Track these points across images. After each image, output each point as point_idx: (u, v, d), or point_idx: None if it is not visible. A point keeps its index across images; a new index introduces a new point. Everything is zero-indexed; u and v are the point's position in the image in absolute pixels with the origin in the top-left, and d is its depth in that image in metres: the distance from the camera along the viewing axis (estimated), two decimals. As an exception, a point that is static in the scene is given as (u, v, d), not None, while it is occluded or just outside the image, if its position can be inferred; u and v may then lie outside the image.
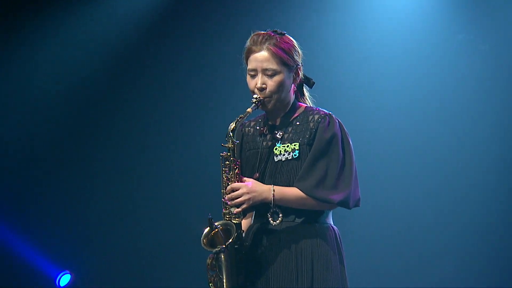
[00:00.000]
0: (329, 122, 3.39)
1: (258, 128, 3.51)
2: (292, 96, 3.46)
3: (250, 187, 3.30)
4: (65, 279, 6.30)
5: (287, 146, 3.40)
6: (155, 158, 6.39)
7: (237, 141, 3.38)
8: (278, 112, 3.45)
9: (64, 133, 6.41)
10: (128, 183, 6.41)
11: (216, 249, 3.28)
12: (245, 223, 3.45)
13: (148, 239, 6.32)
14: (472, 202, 5.85)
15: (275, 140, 3.43)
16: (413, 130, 5.97)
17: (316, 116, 3.40)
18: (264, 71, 3.37)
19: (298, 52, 3.43)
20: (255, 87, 3.39)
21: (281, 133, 3.43)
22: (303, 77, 3.50)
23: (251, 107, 3.36)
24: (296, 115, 3.45)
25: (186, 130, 6.30)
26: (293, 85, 3.45)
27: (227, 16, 6.24)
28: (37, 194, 6.39)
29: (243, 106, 3.39)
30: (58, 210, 6.37)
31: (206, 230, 3.34)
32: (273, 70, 3.36)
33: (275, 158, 3.40)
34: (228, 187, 3.33)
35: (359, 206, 3.41)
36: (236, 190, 3.31)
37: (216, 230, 3.33)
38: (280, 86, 3.38)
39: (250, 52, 3.40)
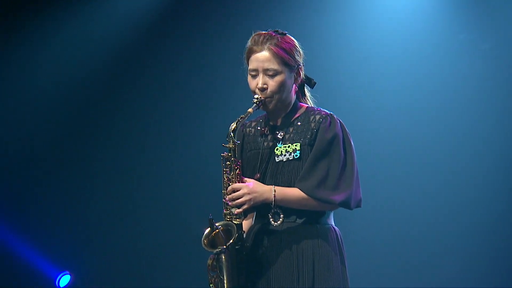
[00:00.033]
0: (330, 122, 3.38)
1: (259, 128, 3.50)
2: (293, 97, 3.45)
3: (251, 188, 3.30)
4: (65, 279, 6.29)
5: (288, 147, 3.39)
6: (156, 158, 6.38)
7: (238, 141, 3.37)
8: (279, 113, 3.44)
9: (64, 133, 6.40)
10: (128, 184, 6.40)
11: (217, 250, 3.27)
12: (246, 224, 3.44)
13: (148, 240, 6.31)
14: (474, 203, 5.84)
15: (276, 141, 3.42)
16: (414, 130, 5.96)
17: (318, 117, 3.39)
18: (265, 71, 3.36)
19: (300, 52, 3.42)
20: (256, 87, 3.38)
21: (282, 134, 3.42)
22: (304, 77, 3.49)
23: (252, 107, 3.35)
24: (297, 115, 3.44)
25: (187, 130, 6.29)
26: (294, 85, 3.44)
27: (227, 16, 6.23)
28: (37, 194, 6.39)
29: (244, 106, 3.37)
30: (58, 210, 6.36)
31: (207, 230, 3.32)
32: (274, 70, 3.36)
33: (276, 158, 3.39)
34: (229, 188, 3.32)
35: (360, 206, 3.40)
36: (237, 191, 3.30)
37: (217, 230, 3.32)
38: (281, 86, 3.37)
39: (251, 52, 3.39)
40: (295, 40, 3.44)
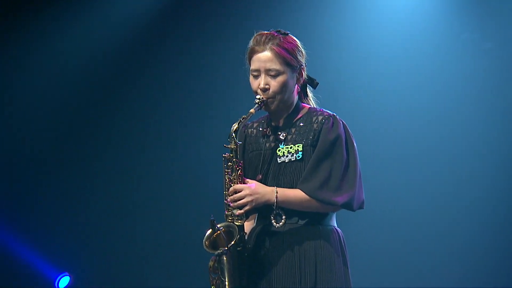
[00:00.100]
0: (333, 123, 3.36)
1: (261, 129, 3.49)
2: (296, 97, 3.44)
3: (253, 189, 3.28)
4: (64, 280, 6.28)
5: (291, 148, 3.37)
6: (156, 159, 6.37)
7: (239, 142, 3.35)
8: (281, 113, 3.43)
9: (64, 134, 6.40)
10: (128, 184, 6.39)
11: (219, 251, 3.25)
12: (248, 225, 3.42)
13: (148, 241, 6.30)
14: (479, 204, 5.83)
15: (278, 141, 3.41)
16: (416, 130, 5.95)
17: (320, 117, 3.38)
18: (267, 71, 3.35)
19: (302, 52, 3.41)
20: (258, 87, 3.36)
21: (284, 134, 3.40)
22: (306, 78, 3.47)
23: (254, 107, 3.33)
24: (299, 116, 3.43)
25: (188, 131, 6.28)
26: (296, 85, 3.42)
27: (229, 16, 6.22)
28: (36, 195, 6.37)
29: (246, 107, 3.36)
30: (57, 211, 6.35)
31: (208, 232, 3.31)
32: (276, 70, 3.34)
33: (278, 159, 3.38)
34: (231, 189, 3.30)
35: (363, 208, 3.38)
36: (239, 192, 3.29)
37: (219, 232, 3.30)
38: (284, 87, 3.35)
39: (253, 52, 3.38)
40: (297, 40, 3.42)
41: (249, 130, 3.51)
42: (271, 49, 3.34)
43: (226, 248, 3.25)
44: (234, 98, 5.66)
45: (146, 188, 6.37)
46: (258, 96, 3.35)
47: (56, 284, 6.27)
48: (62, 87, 6.36)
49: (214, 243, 3.29)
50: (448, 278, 5.81)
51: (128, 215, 6.35)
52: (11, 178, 6.34)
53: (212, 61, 6.22)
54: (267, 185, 3.34)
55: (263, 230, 3.37)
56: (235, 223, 3.31)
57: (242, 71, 3.46)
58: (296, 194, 3.30)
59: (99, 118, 6.43)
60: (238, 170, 3.31)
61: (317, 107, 3.49)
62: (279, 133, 3.41)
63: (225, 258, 3.26)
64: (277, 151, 3.39)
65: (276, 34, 3.38)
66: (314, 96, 3.54)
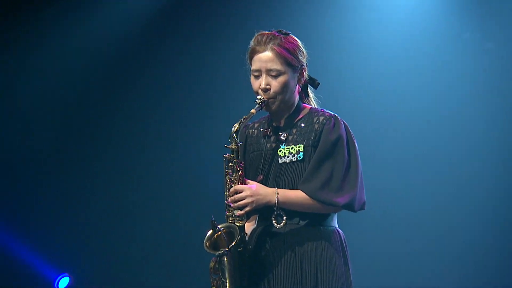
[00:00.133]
0: (334, 123, 3.35)
1: (262, 129, 3.48)
2: (297, 97, 3.43)
3: (253, 190, 3.27)
4: (64, 281, 6.28)
5: (292, 148, 3.36)
6: (156, 159, 6.36)
7: (240, 142, 3.34)
8: (283, 113, 3.42)
9: (63, 134, 6.39)
10: (128, 185, 6.38)
11: (219, 252, 3.25)
12: (248, 226, 3.41)
13: (149, 242, 6.29)
14: (480, 205, 5.82)
15: (279, 142, 3.40)
16: (418, 131, 5.94)
17: (321, 118, 3.37)
18: (268, 71, 3.34)
19: (303, 53, 3.40)
20: (259, 88, 3.35)
21: (285, 135, 3.39)
22: (307, 78, 3.46)
23: (255, 108, 3.32)
24: (300, 116, 3.42)
25: (189, 131, 6.27)
26: (297, 86, 3.41)
27: (229, 15, 6.21)
28: (36, 196, 6.37)
29: (247, 107, 3.34)
30: (57, 212, 6.34)
31: (209, 232, 3.30)
32: (278, 70, 3.33)
33: (279, 160, 3.37)
34: (232, 189, 3.29)
35: (364, 209, 3.38)
36: (240, 192, 3.28)
37: (219, 232, 3.29)
38: (285, 87, 3.34)
39: (254, 52, 3.37)
40: (298, 40, 3.41)
41: (250, 131, 3.50)
42: (272, 49, 3.33)
43: (227, 249, 3.24)
44: (235, 99, 5.64)
45: (146, 188, 6.36)
46: (259, 97, 3.34)
47: (55, 285, 6.27)
48: (62, 87, 6.36)
49: (215, 244, 3.29)
50: (449, 278, 5.80)
51: (128, 216, 6.34)
52: (10, 179, 6.33)
53: (212, 61, 6.21)
54: (268, 186, 3.33)
55: (264, 231, 3.36)
56: (236, 223, 3.29)
57: (243, 71, 3.45)
58: (297, 195, 3.29)
59: (99, 118, 6.42)
60: (239, 170, 3.30)
61: (318, 107, 3.48)
62: (280, 133, 3.40)
63: (225, 259, 3.25)
64: (278, 152, 3.38)
65: (277, 34, 3.37)
66: (315, 96, 3.53)
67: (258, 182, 3.35)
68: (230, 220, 3.31)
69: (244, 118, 3.30)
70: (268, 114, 3.47)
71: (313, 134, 3.34)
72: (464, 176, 5.85)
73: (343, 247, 3.37)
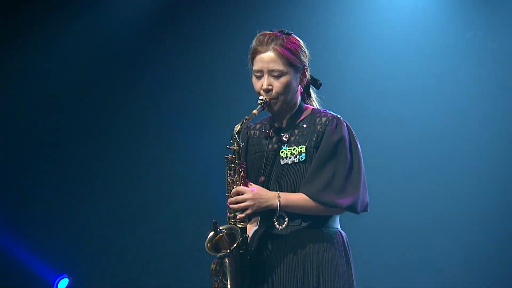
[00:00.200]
0: (336, 124, 3.33)
1: (263, 130, 3.46)
2: (299, 98, 3.41)
3: (255, 193, 3.25)
4: (63, 282, 6.27)
5: (294, 149, 3.34)
6: (157, 160, 6.35)
7: (242, 143, 3.32)
8: (285, 114, 3.40)
9: (63, 135, 6.37)
10: (128, 186, 6.37)
11: (221, 254, 3.23)
12: (250, 228, 3.39)
13: (149, 243, 6.28)
14: (485, 206, 5.80)
15: (281, 143, 3.38)
16: (421, 131, 5.92)
17: (324, 119, 3.35)
18: (270, 72, 3.32)
19: (305, 53, 3.37)
20: (261, 88, 3.33)
21: (287, 136, 3.38)
22: (310, 78, 3.44)
23: (257, 108, 3.30)
24: (303, 117, 3.40)
25: (190, 132, 6.25)
26: (299, 86, 3.39)
27: (231, 15, 6.20)
28: (35, 197, 6.36)
29: (248, 107, 3.32)
30: (56, 213, 6.33)
31: (211, 234, 3.28)
32: (280, 71, 3.31)
33: (281, 161, 3.35)
34: (233, 190, 3.27)
35: (367, 211, 3.36)
36: (241, 194, 3.26)
37: (221, 234, 3.27)
38: (287, 88, 3.32)
39: (255, 52, 3.35)
40: (300, 40, 3.39)
41: (252, 132, 3.49)
42: (274, 50, 3.31)
43: (228, 251, 3.22)
44: (237, 99, 5.62)
45: (147, 189, 6.35)
46: (261, 97, 3.32)
47: (55, 286, 6.26)
48: (62, 86, 6.34)
49: (216, 246, 3.27)
50: (451, 279, 5.79)
51: (128, 217, 6.33)
52: (9, 179, 6.32)
53: (213, 61, 6.20)
54: (269, 187, 3.32)
55: (266, 233, 3.34)
56: (237, 225, 3.28)
57: (245, 72, 3.43)
58: (299, 198, 3.27)
59: (99, 118, 6.40)
60: (241, 172, 3.28)
61: (321, 108, 3.46)
62: (282, 134, 3.39)
63: (227, 261, 3.23)
64: (280, 153, 3.36)
65: (279, 34, 3.35)
66: (317, 97, 3.51)
67: (260, 183, 3.33)
68: (231, 221, 3.28)
69: (246, 119, 3.28)
70: (270, 115, 3.45)
71: (315, 135, 3.32)
72: (468, 177, 5.84)
73: (345, 249, 3.35)
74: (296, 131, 3.37)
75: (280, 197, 3.26)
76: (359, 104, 5.91)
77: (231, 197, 3.27)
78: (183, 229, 6.12)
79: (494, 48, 5.82)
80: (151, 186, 6.33)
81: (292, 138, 3.36)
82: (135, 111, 6.39)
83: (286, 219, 3.31)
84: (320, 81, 3.48)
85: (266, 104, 3.31)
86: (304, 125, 3.37)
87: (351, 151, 3.32)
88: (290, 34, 3.38)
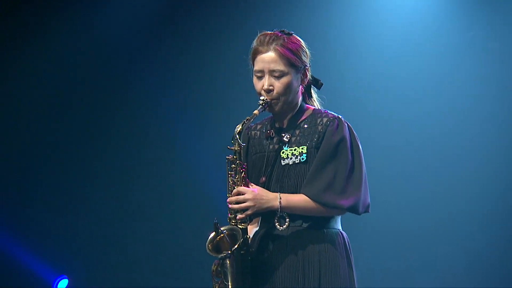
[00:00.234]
0: (337, 125, 3.32)
1: (264, 131, 3.45)
2: (300, 98, 3.40)
3: (256, 193, 3.24)
4: (62, 283, 6.26)
5: (295, 150, 3.33)
6: (158, 161, 6.34)
7: (243, 144, 3.31)
8: (285, 115, 3.39)
9: (63, 135, 6.36)
10: (129, 186, 6.36)
11: (222, 255, 3.21)
12: (251, 228, 3.37)
13: (149, 245, 6.27)
14: (488, 207, 5.80)
15: (282, 143, 3.37)
16: (423, 132, 5.92)
17: (325, 119, 3.33)
18: (271, 72, 3.31)
19: (306, 53, 3.36)
20: (262, 88, 3.32)
21: (288, 136, 3.36)
22: (311, 78, 3.43)
23: (258, 109, 3.29)
24: (304, 117, 3.39)
25: (191, 132, 6.24)
26: (300, 86, 3.38)
27: (232, 15, 6.19)
28: (34, 197, 6.35)
29: (249, 108, 3.32)
30: (55, 213, 6.32)
31: (212, 235, 3.27)
32: (281, 71, 3.30)
33: (282, 161, 3.34)
34: (234, 190, 3.26)
35: (368, 212, 3.34)
36: (242, 194, 3.24)
37: (222, 235, 3.26)
38: (288, 88, 3.31)
39: (256, 52, 3.34)
40: (301, 40, 3.38)
41: (253, 132, 3.48)
42: (275, 50, 3.30)
43: (229, 252, 3.20)
44: (237, 100, 5.62)
45: (147, 190, 6.34)
46: (262, 97, 3.31)
47: (54, 287, 6.25)
48: (62, 86, 6.33)
49: (217, 246, 3.26)
50: (452, 280, 5.79)
51: (128, 218, 6.32)
52: (9, 180, 6.30)
53: (214, 61, 6.19)
54: (270, 188, 3.31)
55: (267, 233, 3.33)
56: (238, 226, 3.26)
57: (246, 72, 3.42)
58: (300, 199, 3.26)
59: (99, 118, 6.39)
60: (242, 172, 3.26)
61: (322, 108, 3.45)
62: (283, 134, 3.38)
63: (228, 262, 3.21)
64: (281, 153, 3.35)
65: (280, 34, 3.34)
66: (318, 97, 3.50)
67: (261, 184, 3.32)
68: (232, 222, 3.27)
69: (247, 119, 3.27)
70: (270, 115, 3.44)
71: (317, 135, 3.31)
72: (470, 178, 5.83)
73: (346, 250, 3.34)
74: (297, 132, 3.36)
75: (281, 198, 3.25)
76: (360, 105, 5.90)
77: (231, 197, 3.26)
78: (184, 230, 6.11)
79: (495, 48, 5.81)
80: (152, 186, 6.32)
81: (293, 139, 3.35)
82: (135, 111, 6.38)
83: (287, 220, 3.29)
84: (321, 81, 3.46)
85: (267, 105, 3.30)
86: (305, 126, 3.35)
87: (352, 152, 3.31)
88: (291, 34, 3.37)
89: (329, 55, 5.86)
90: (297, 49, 3.33)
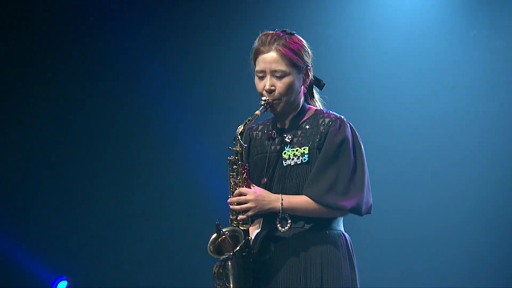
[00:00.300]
0: (340, 125, 3.30)
1: (266, 131, 3.43)
2: (302, 98, 3.38)
3: (257, 195, 3.22)
4: (62, 285, 6.24)
5: (296, 150, 3.31)
6: (158, 161, 6.32)
7: (245, 144, 3.30)
8: (287, 115, 3.37)
9: (63, 135, 6.35)
10: (129, 187, 6.34)
11: (224, 256, 3.20)
12: (252, 230, 3.36)
13: (150, 246, 6.25)
14: (490, 207, 5.79)
15: (283, 144, 3.35)
16: (425, 132, 5.92)
17: (327, 120, 3.32)
18: (273, 72, 3.29)
19: (308, 53, 3.35)
20: (263, 89, 3.30)
21: (290, 137, 3.35)
22: (313, 79, 3.41)
23: (260, 109, 3.28)
24: (305, 118, 3.37)
25: (192, 133, 6.23)
26: (302, 86, 3.36)
27: (233, 15, 6.17)
28: (33, 198, 6.33)
29: (251, 108, 3.30)
30: (55, 214, 6.30)
31: (213, 236, 3.25)
32: (282, 71, 3.28)
33: (283, 162, 3.32)
34: (236, 191, 3.24)
35: (371, 213, 3.33)
36: (243, 195, 3.23)
37: (224, 236, 3.24)
38: (289, 88, 3.30)
39: (258, 52, 3.32)
40: (303, 40, 3.36)
41: (254, 133, 3.46)
42: (277, 50, 3.28)
43: (231, 253, 3.19)
44: (239, 100, 5.61)
45: (148, 190, 6.32)
46: (263, 98, 3.29)
47: (53, 288, 6.25)
48: (61, 86, 6.32)
49: (218, 248, 3.24)
50: (455, 281, 5.78)
51: (128, 219, 6.30)
52: (8, 181, 6.29)
53: (215, 61, 6.17)
54: (272, 189, 3.29)
55: (268, 235, 3.31)
56: (240, 227, 3.25)
57: (247, 72, 3.40)
58: (302, 200, 3.25)
59: (99, 118, 6.38)
60: (244, 173, 3.25)
61: (324, 109, 3.44)
62: (285, 135, 3.36)
63: (230, 263, 3.20)
64: (283, 154, 3.33)
65: (281, 34, 3.32)
66: (320, 97, 3.49)
67: (263, 185, 3.31)
68: (234, 223, 3.26)
69: (249, 120, 3.26)
70: (272, 115, 3.43)
71: (318, 136, 3.30)
72: (474, 178, 5.83)
73: (349, 251, 3.32)
74: (299, 132, 3.34)
75: (282, 199, 3.24)
76: (362, 105, 5.89)
77: (233, 198, 3.24)
78: (185, 231, 6.10)
79: (499, 47, 5.80)
80: (152, 187, 6.31)
81: (295, 139, 3.34)
82: (135, 111, 6.37)
83: (289, 221, 3.28)
84: (323, 82, 3.45)
85: (269, 105, 3.29)
86: (307, 126, 3.34)
87: (354, 152, 3.30)
88: (293, 34, 3.36)
89: (332, 55, 5.85)
90: (299, 49, 3.31)
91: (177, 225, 6.20)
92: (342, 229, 3.35)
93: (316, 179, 3.25)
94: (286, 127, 3.37)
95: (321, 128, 3.30)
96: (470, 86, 5.88)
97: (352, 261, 3.32)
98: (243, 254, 3.23)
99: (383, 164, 5.77)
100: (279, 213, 3.24)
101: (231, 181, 3.26)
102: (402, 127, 5.93)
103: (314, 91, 3.46)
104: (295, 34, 3.36)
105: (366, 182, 3.28)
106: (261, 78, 3.31)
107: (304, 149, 3.30)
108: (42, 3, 6.30)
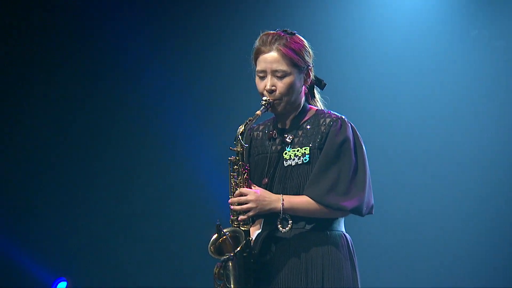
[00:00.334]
0: (341, 125, 3.29)
1: (267, 131, 3.43)
2: (303, 98, 3.37)
3: (258, 195, 3.21)
4: (61, 286, 6.23)
5: (297, 151, 3.30)
6: (159, 161, 6.32)
7: (246, 144, 3.28)
8: (288, 115, 3.36)
9: (62, 136, 6.34)
10: (129, 187, 6.34)
11: (224, 257, 3.19)
12: (253, 230, 3.35)
13: (150, 247, 6.25)
14: (492, 209, 5.79)
15: (284, 144, 3.34)
16: (426, 132, 5.91)
17: (328, 120, 3.31)
18: (274, 72, 3.28)
19: (309, 53, 3.34)
20: (264, 89, 3.30)
21: (291, 137, 3.34)
22: (314, 79, 3.41)
23: (261, 109, 3.27)
24: (306, 118, 3.36)
25: (193, 133, 6.23)
26: (303, 86, 3.36)
27: (234, 15, 6.17)
28: (33, 199, 6.33)
29: (252, 108, 3.29)
30: (54, 215, 6.30)
31: (214, 236, 3.24)
32: (283, 71, 3.28)
33: (284, 162, 3.31)
34: (237, 191, 3.23)
35: (372, 213, 3.33)
36: (244, 196, 3.22)
37: (224, 237, 3.23)
38: (290, 88, 3.29)
39: (259, 52, 3.31)
40: (304, 40, 3.36)
41: (255, 133, 3.45)
42: (278, 50, 3.28)
43: (232, 254, 3.18)
44: (240, 100, 5.60)
45: (148, 191, 6.32)
46: (264, 98, 3.29)
47: (53, 289, 6.24)
48: (61, 86, 6.31)
49: (219, 249, 3.23)
50: (457, 281, 5.77)
51: (128, 219, 6.30)
52: (9, 181, 6.29)
53: (216, 61, 6.17)
54: (273, 189, 3.28)
55: (269, 236, 3.30)
56: (241, 228, 3.24)
57: (248, 72, 3.39)
58: (303, 200, 3.24)
59: (99, 118, 6.37)
60: (244, 173, 3.24)
61: (325, 109, 3.43)
62: (286, 135, 3.35)
63: (230, 264, 3.19)
64: (284, 154, 3.32)
65: (282, 34, 3.32)
66: (321, 97, 3.48)
67: (263, 185, 3.30)
68: (235, 224, 3.25)
69: (250, 120, 3.25)
70: (273, 115, 3.42)
71: (319, 136, 3.29)
72: (474, 178, 5.82)
73: (350, 252, 3.31)
74: (300, 132, 3.34)
75: (283, 200, 3.23)
76: (363, 105, 5.89)
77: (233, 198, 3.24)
78: (185, 232, 6.09)
79: (500, 46, 5.79)
80: (153, 187, 6.30)
81: (296, 140, 3.33)
82: (136, 112, 6.36)
83: (290, 222, 3.27)
84: (324, 82, 3.45)
85: (270, 105, 3.28)
86: (308, 126, 3.33)
87: (355, 153, 3.29)
88: (294, 33, 3.35)
89: (333, 55, 5.85)
90: (300, 49, 3.30)
91: (177, 225, 6.20)
92: (343, 229, 3.34)
93: (317, 179, 3.24)
94: (287, 127, 3.37)
95: (322, 128, 3.30)
96: (470, 86, 5.87)
97: (353, 262, 3.31)
98: (244, 254, 3.22)
99: (383, 164, 5.77)
100: (280, 213, 3.23)
101: (232, 182, 3.26)
102: (402, 127, 5.93)
103: (315, 91, 3.46)
104: (296, 34, 3.35)
105: (367, 182, 3.27)
106: (262, 78, 3.30)
107: (305, 149, 3.29)
108: (42, 3, 6.30)
